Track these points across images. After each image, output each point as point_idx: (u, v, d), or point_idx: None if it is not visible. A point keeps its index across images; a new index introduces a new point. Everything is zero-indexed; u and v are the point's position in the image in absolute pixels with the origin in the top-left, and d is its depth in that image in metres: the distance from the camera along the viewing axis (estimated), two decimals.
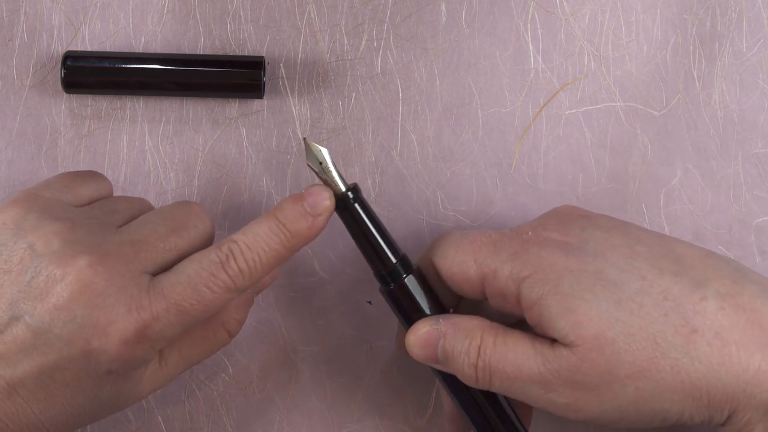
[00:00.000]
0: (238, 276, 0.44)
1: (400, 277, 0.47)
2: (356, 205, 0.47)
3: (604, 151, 0.55)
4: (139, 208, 0.48)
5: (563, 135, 0.55)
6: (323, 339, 0.54)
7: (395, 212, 0.55)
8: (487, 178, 0.55)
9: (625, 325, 0.43)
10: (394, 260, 0.47)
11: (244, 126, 0.54)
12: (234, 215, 0.54)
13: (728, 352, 0.42)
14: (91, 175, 0.49)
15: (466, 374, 0.46)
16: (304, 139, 0.47)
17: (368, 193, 0.54)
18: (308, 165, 0.47)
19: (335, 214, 0.47)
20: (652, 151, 0.55)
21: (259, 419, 0.54)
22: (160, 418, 0.54)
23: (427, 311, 0.47)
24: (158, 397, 0.54)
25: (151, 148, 0.54)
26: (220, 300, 0.44)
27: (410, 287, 0.47)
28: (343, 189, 0.46)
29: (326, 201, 0.46)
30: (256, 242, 0.45)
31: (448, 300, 0.49)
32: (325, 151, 0.46)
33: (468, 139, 0.55)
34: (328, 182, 0.46)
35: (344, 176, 0.47)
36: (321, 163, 0.46)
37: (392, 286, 0.48)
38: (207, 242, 0.47)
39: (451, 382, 0.48)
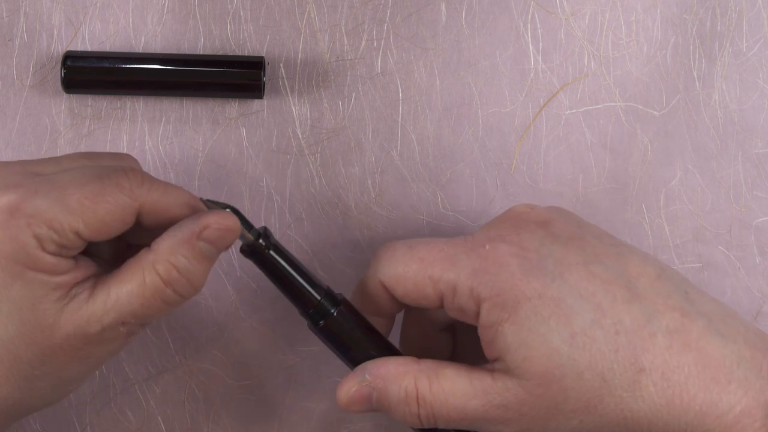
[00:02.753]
0: (135, 179, 0.43)
1: (329, 313, 0.47)
2: (270, 251, 0.46)
3: (604, 151, 0.55)
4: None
5: (563, 135, 0.55)
6: None
7: (395, 212, 0.55)
8: (487, 178, 0.55)
9: (575, 363, 0.43)
10: (318, 297, 0.47)
11: (244, 126, 0.54)
12: None
13: (672, 393, 0.43)
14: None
15: (410, 422, 0.46)
16: (202, 200, 0.46)
17: (368, 193, 0.54)
18: None
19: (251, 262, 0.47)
20: (652, 152, 0.55)
21: (259, 419, 0.54)
22: (160, 418, 0.54)
23: (360, 343, 0.47)
24: (158, 397, 0.54)
25: (151, 148, 0.54)
26: (110, 196, 0.42)
27: (340, 321, 0.47)
28: (252, 238, 0.46)
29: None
30: (165, 182, 0.45)
31: (395, 308, 0.48)
32: (227, 210, 0.45)
33: (468, 139, 0.55)
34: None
35: (252, 224, 0.46)
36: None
37: (322, 323, 0.47)
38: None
39: None
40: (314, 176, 0.54)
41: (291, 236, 0.54)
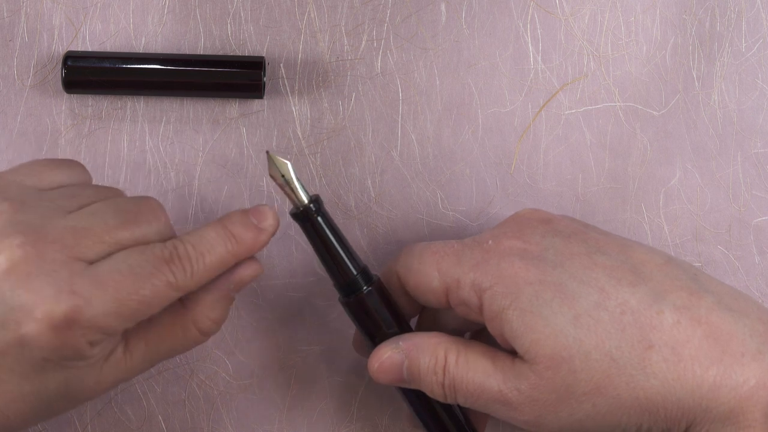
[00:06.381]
0: (181, 272, 0.44)
1: (360, 289, 0.48)
2: (318, 217, 0.47)
3: (603, 151, 0.55)
4: (105, 197, 0.47)
5: (563, 135, 0.55)
6: (323, 339, 0.54)
7: (395, 212, 0.55)
8: (487, 178, 0.55)
9: (582, 343, 0.43)
10: (354, 272, 0.48)
11: (244, 126, 0.55)
12: None
13: (683, 367, 0.42)
14: (66, 163, 0.48)
15: (435, 392, 0.46)
16: (267, 152, 0.47)
17: (368, 193, 0.55)
18: (270, 176, 0.47)
19: (298, 226, 0.48)
20: (652, 151, 0.55)
21: (259, 419, 0.54)
22: (160, 417, 0.54)
23: (387, 322, 0.48)
24: (158, 396, 0.54)
25: (151, 148, 0.54)
26: (160, 295, 0.43)
27: (370, 298, 0.48)
28: (306, 201, 0.47)
29: (272, 220, 0.47)
30: (202, 243, 0.45)
31: (411, 309, 0.50)
32: (288, 164, 0.47)
33: (468, 139, 0.55)
34: (290, 194, 0.47)
35: (307, 189, 0.47)
36: (284, 176, 0.47)
37: (352, 297, 0.48)
38: (159, 238, 0.45)
39: (410, 395, 0.49)
40: (314, 176, 0.55)
41: (291, 236, 0.54)
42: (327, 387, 0.54)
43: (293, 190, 0.47)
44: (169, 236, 0.46)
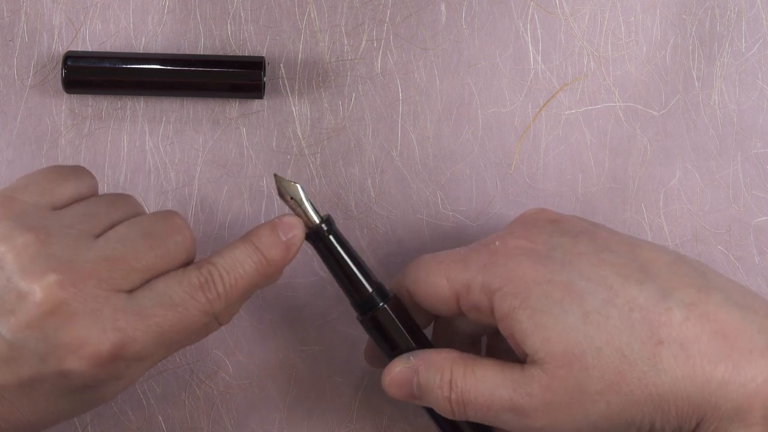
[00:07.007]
0: (216, 300, 0.44)
1: (377, 305, 0.48)
2: (330, 237, 0.47)
3: (603, 152, 0.55)
4: (123, 212, 0.46)
5: (563, 135, 0.55)
6: (323, 339, 0.54)
7: (395, 212, 0.55)
8: (487, 178, 0.55)
9: (592, 340, 0.43)
10: (369, 289, 0.48)
11: (244, 126, 0.55)
12: (234, 216, 0.54)
13: (692, 364, 0.42)
14: (73, 172, 0.47)
15: (442, 407, 0.46)
16: (275, 175, 0.47)
17: (368, 193, 0.55)
18: (280, 197, 0.47)
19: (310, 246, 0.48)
20: (652, 152, 0.55)
21: (259, 419, 0.54)
22: (160, 417, 0.54)
23: (404, 337, 0.48)
24: (158, 396, 0.54)
25: (151, 148, 0.54)
26: (196, 322, 0.44)
27: (387, 315, 0.48)
28: (317, 221, 0.47)
29: (299, 232, 0.47)
30: (234, 267, 0.45)
31: (424, 320, 0.50)
32: (299, 187, 0.47)
33: (468, 139, 0.55)
34: (301, 215, 0.47)
35: (317, 208, 0.48)
36: (293, 198, 0.47)
37: (369, 314, 0.48)
38: (186, 256, 0.46)
39: (431, 411, 0.49)
40: (314, 176, 0.55)
41: None
42: (327, 387, 0.54)
43: (305, 211, 0.47)
44: (193, 251, 0.46)
